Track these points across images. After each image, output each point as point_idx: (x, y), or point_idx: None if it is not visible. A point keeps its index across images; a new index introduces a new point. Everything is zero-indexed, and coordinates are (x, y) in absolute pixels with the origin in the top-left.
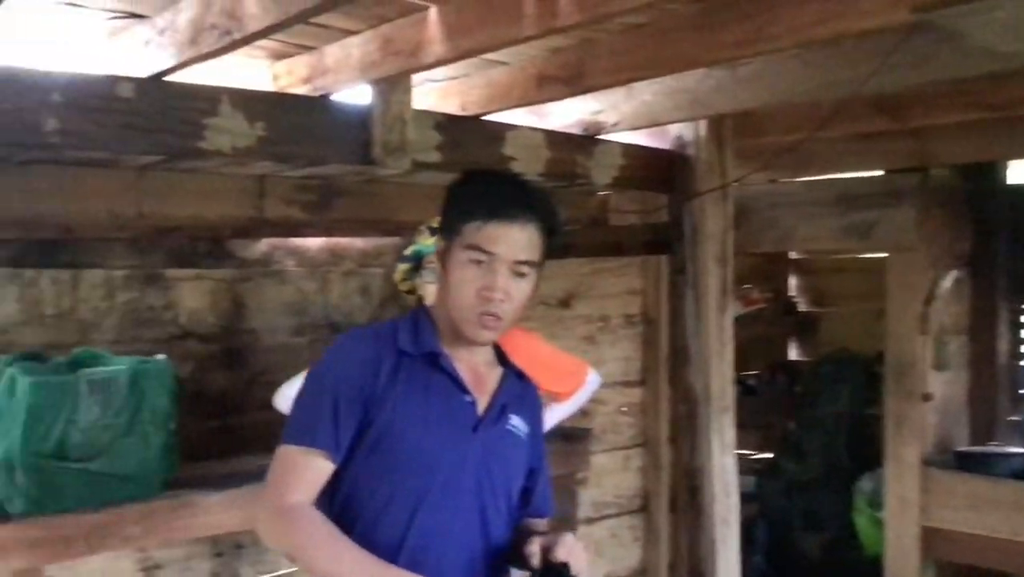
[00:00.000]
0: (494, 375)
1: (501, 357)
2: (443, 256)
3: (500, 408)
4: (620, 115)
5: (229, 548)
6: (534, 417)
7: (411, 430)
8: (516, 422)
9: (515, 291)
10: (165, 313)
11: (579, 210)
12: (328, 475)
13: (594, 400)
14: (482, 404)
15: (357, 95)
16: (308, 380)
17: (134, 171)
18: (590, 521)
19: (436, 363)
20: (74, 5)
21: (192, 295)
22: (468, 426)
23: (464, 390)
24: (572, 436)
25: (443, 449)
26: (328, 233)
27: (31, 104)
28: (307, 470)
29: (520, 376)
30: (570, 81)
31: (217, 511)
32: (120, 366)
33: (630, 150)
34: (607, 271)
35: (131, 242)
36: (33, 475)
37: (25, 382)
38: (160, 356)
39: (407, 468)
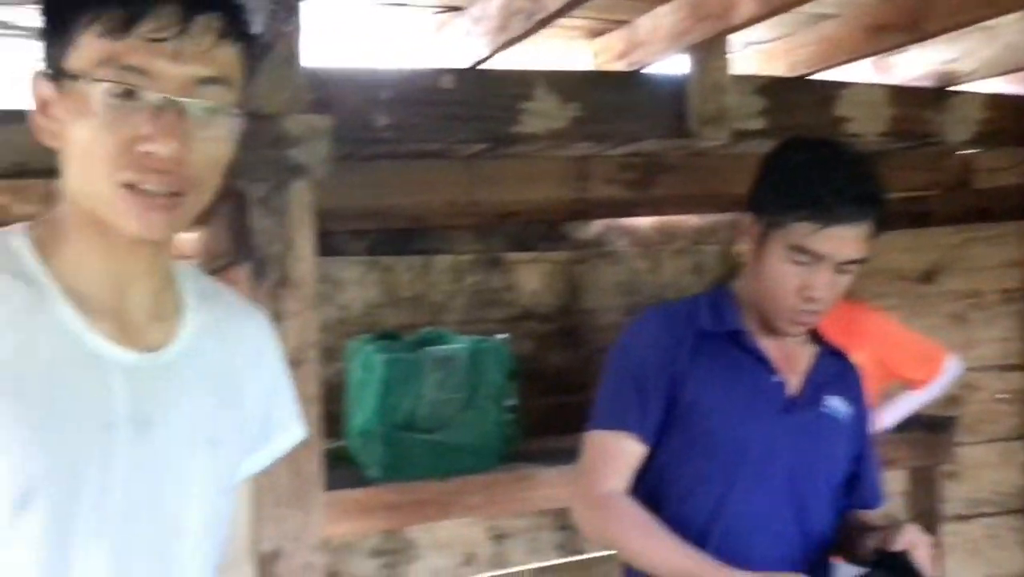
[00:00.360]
0: (806, 354)
1: (814, 334)
2: (756, 237)
3: (814, 389)
4: (978, 62)
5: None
6: (855, 398)
7: (716, 412)
8: (834, 403)
9: (838, 285)
10: (507, 294)
11: (936, 173)
12: (640, 459)
13: (965, 386)
14: (793, 385)
15: (675, 66)
16: (611, 363)
17: (463, 161)
18: (961, 519)
19: (740, 342)
20: (400, 4)
21: (530, 277)
22: (777, 408)
23: (771, 370)
24: (934, 425)
25: (751, 432)
26: (655, 211)
27: (363, 103)
28: (619, 455)
29: (837, 354)
30: (910, 27)
31: (556, 485)
32: (460, 345)
33: (994, 101)
34: (978, 240)
35: (474, 228)
36: (387, 444)
37: (379, 359)
38: (502, 336)
39: (712, 452)
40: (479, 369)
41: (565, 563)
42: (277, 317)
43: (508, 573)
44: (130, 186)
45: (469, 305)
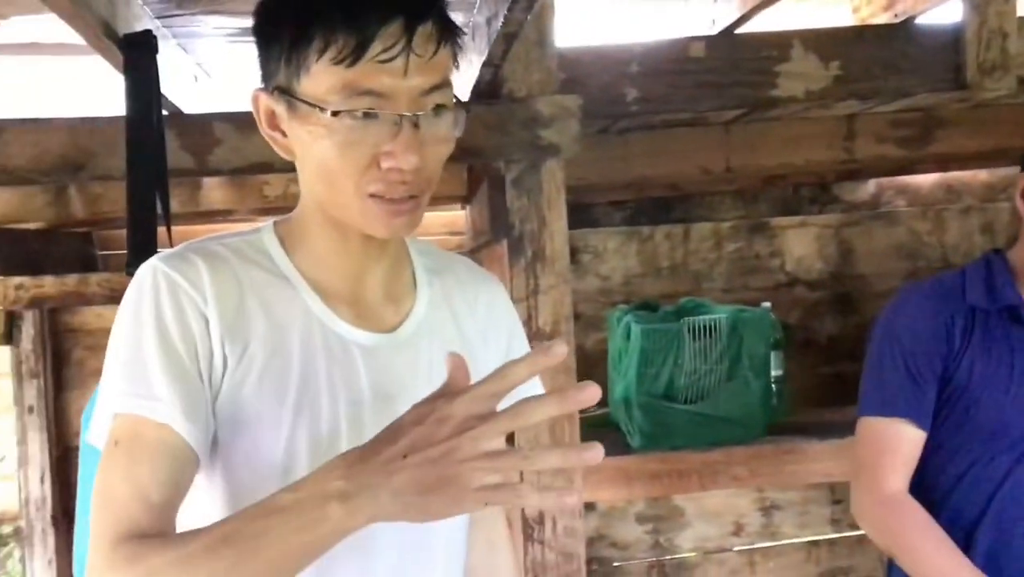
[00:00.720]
0: None
1: None
2: None
3: None
4: None
5: (848, 496)
6: None
7: (992, 398)
8: None
9: None
10: (771, 261)
11: None
12: (919, 446)
13: None
14: None
15: (947, 14)
16: (877, 343)
17: (718, 127)
18: None
19: (1019, 318)
20: None
21: (797, 242)
22: None
23: None
24: None
25: None
26: (934, 168)
27: (613, 78)
28: (900, 445)
29: None
30: None
31: (824, 459)
32: (720, 315)
33: None
34: None
35: (736, 194)
36: (647, 413)
37: (637, 329)
38: (765, 304)
39: (987, 441)
40: (741, 339)
41: (839, 538)
42: (533, 291)
43: (778, 545)
44: (376, 196)
45: (731, 273)
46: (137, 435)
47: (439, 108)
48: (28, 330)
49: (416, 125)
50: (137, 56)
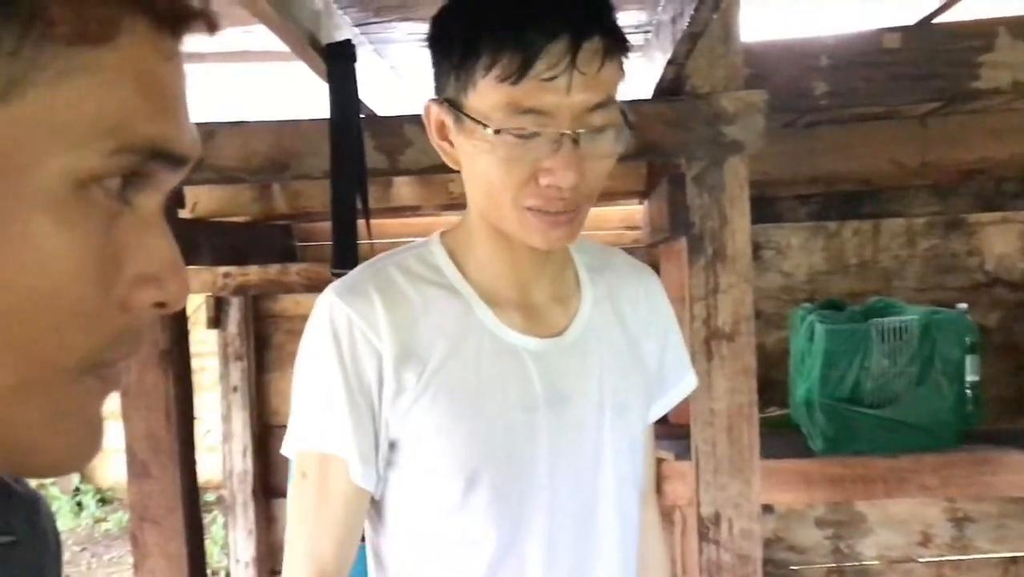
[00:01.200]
0: None
1: None
2: None
3: None
4: None
5: None
6: None
7: None
8: None
9: None
10: (969, 260)
11: None
12: None
13: None
14: None
15: None
16: None
17: (915, 120)
18: None
19: None
20: None
21: (998, 239)
22: None
23: None
24: None
25: None
26: None
27: (801, 71)
28: None
29: None
30: None
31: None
32: (912, 316)
33: None
34: None
35: (931, 189)
36: (830, 416)
37: (821, 329)
38: (961, 305)
39: None
40: (933, 342)
41: None
42: (713, 290)
43: (971, 559)
44: (534, 209)
45: (924, 272)
46: (323, 475)
47: (604, 131)
48: (234, 315)
49: (576, 142)
50: (339, 64)
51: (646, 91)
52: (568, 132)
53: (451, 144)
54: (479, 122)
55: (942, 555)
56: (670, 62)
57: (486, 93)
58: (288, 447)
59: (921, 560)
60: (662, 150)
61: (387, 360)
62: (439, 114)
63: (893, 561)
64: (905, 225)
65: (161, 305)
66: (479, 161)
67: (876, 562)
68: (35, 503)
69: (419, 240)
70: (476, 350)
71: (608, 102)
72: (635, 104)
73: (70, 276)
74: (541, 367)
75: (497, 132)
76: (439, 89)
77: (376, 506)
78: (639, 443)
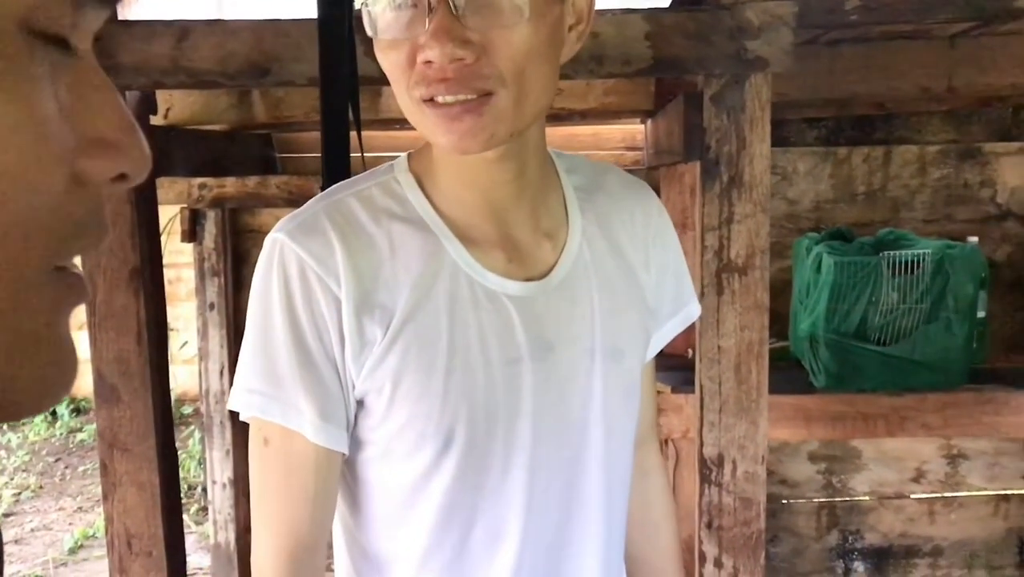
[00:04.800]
0: None
1: None
2: None
3: None
4: None
5: None
6: None
7: None
8: None
9: None
10: (981, 191)
11: None
12: None
13: None
14: None
15: None
16: None
17: (944, 41)
18: None
19: None
20: None
21: (1013, 171)
22: None
23: None
24: None
25: None
26: None
27: None
28: None
29: None
30: None
31: None
32: (924, 249)
33: None
34: None
35: (946, 115)
36: (835, 352)
37: (829, 261)
38: (972, 239)
39: None
40: (945, 276)
41: None
42: (727, 220)
43: (963, 496)
44: (429, 100)
45: (935, 202)
46: (286, 441)
47: None
48: (210, 229)
49: (455, 8)
50: None
51: None
52: None
53: None
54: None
55: (935, 492)
56: None
57: None
58: (240, 407)
59: (913, 496)
60: (679, 65)
61: (347, 309)
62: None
63: (885, 497)
64: (917, 153)
65: (122, 177)
66: (377, 52)
67: (867, 498)
68: None
69: (382, 166)
70: (450, 296)
71: None
72: (651, 14)
73: (22, 149)
74: (524, 314)
75: (364, 4)
76: None
77: (345, 468)
78: (636, 388)
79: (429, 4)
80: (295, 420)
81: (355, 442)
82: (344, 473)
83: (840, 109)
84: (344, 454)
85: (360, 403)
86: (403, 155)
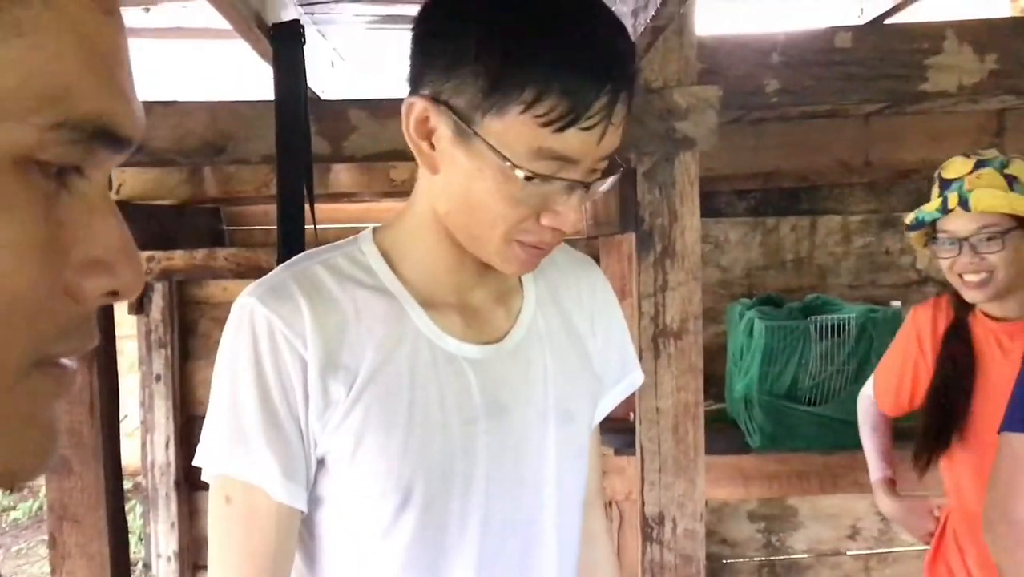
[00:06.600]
0: None
1: None
2: None
3: None
4: None
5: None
6: None
7: None
8: None
9: None
10: (902, 258)
11: None
12: None
13: None
14: None
15: None
16: None
17: (860, 120)
18: None
19: None
20: None
21: None
22: None
23: None
24: None
25: None
26: None
27: (753, 68)
28: None
29: None
30: None
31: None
32: (849, 314)
33: None
34: None
35: (868, 186)
36: (768, 413)
37: (761, 326)
38: (895, 303)
39: None
40: (869, 339)
41: None
42: (662, 288)
43: (897, 552)
44: (525, 244)
45: (859, 269)
46: (249, 500)
47: (604, 174)
48: (158, 301)
49: (587, 188)
50: (286, 45)
51: None
52: (585, 181)
53: (433, 147)
54: (497, 152)
55: (870, 548)
56: None
57: (517, 128)
58: (205, 465)
59: (849, 553)
60: None
61: (313, 370)
62: (426, 112)
63: (822, 554)
64: (841, 222)
65: (114, 294)
66: (479, 185)
67: (806, 556)
68: None
69: (345, 239)
70: (411, 358)
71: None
72: None
73: (10, 264)
74: (481, 376)
75: (529, 178)
76: (423, 83)
77: (303, 527)
78: (586, 451)
79: (577, 185)
80: (258, 477)
81: (314, 500)
82: (302, 532)
83: (766, 181)
84: (303, 512)
85: (321, 461)
86: (368, 228)
